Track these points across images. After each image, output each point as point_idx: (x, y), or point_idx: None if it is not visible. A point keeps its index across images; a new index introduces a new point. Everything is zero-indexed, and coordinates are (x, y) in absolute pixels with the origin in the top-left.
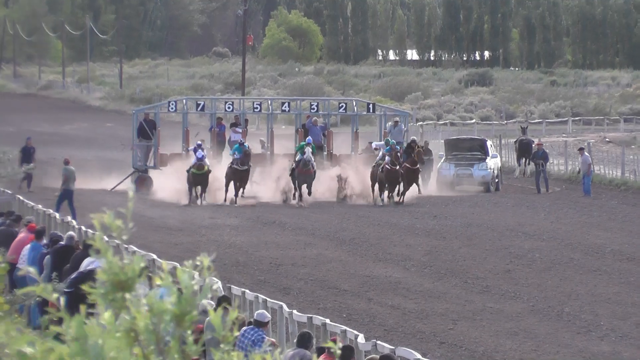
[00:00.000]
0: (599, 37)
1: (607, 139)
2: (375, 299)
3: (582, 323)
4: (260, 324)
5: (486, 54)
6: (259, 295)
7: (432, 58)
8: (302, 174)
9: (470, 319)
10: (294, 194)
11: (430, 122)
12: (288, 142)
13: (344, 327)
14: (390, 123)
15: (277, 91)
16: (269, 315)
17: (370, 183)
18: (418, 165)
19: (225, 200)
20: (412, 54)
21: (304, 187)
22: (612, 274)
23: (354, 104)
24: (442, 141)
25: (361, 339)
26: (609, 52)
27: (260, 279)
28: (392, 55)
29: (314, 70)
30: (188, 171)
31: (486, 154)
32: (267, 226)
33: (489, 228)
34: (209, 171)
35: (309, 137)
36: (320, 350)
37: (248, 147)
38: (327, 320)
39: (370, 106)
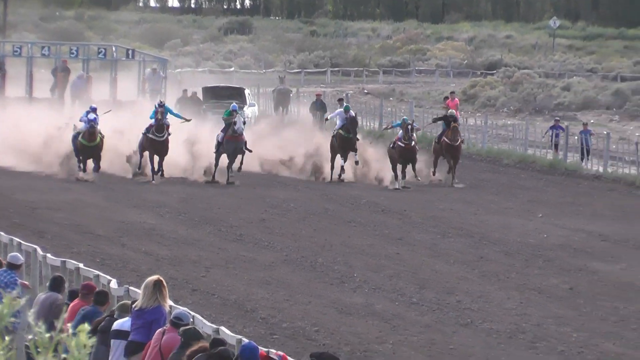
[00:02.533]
0: None
1: (365, 91)
2: (129, 244)
3: (335, 274)
4: (13, 267)
5: (247, 2)
6: (13, 238)
7: (192, 6)
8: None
9: (223, 267)
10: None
11: (189, 69)
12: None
13: (97, 272)
14: (148, 69)
15: (39, 35)
16: (22, 258)
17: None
18: (459, 142)
19: None
20: (172, 1)
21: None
22: (366, 225)
23: (114, 49)
24: (201, 88)
25: (114, 284)
26: (369, 3)
27: (16, 222)
28: (153, 2)
29: (74, 15)
30: (75, 137)
31: (244, 102)
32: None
33: (244, 176)
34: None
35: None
36: (73, 294)
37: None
38: (81, 265)
39: (130, 52)
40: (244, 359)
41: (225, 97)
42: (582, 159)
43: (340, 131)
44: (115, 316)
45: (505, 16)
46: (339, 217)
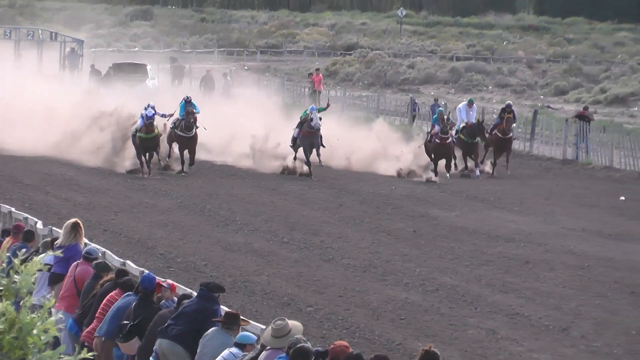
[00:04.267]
0: None
1: (246, 67)
2: (52, 192)
3: (220, 218)
4: None
5: None
6: None
7: None
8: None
9: (129, 212)
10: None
11: (101, 49)
12: None
13: (26, 215)
14: (68, 49)
15: None
16: None
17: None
18: (510, 135)
19: None
20: None
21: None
22: (246, 178)
23: (40, 32)
24: (111, 64)
25: (40, 225)
26: None
27: None
28: None
29: (8, 3)
30: (134, 135)
31: (146, 76)
32: None
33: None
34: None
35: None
36: (5, 233)
37: None
38: (13, 209)
39: (53, 34)
40: (144, 286)
41: (131, 71)
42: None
43: (462, 136)
44: (40, 252)
45: (361, 6)
46: (224, 171)
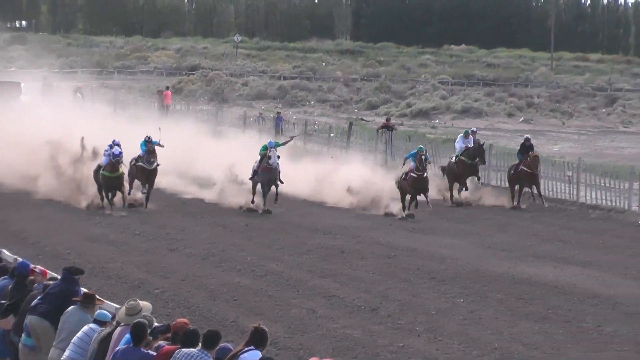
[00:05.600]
0: (107, 11)
1: (105, 84)
2: None
3: (84, 213)
4: None
5: (24, 22)
6: None
7: None
8: None
9: (5, 208)
10: None
11: None
12: None
13: None
14: None
15: None
16: None
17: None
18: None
19: None
20: None
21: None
22: None
23: None
24: None
25: None
26: (108, 23)
27: None
28: None
29: None
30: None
31: (20, 92)
32: None
33: None
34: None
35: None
36: None
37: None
38: None
39: None
40: (19, 271)
41: (7, 89)
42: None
43: (463, 157)
44: None
45: (202, 33)
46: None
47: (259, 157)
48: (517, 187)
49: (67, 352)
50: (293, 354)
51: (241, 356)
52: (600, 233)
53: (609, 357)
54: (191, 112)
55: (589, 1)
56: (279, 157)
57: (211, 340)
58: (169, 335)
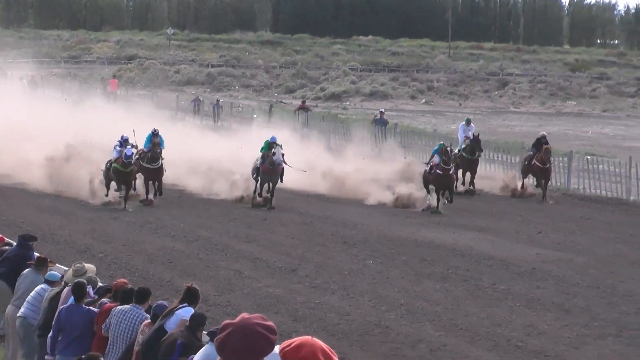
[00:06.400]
0: (55, 8)
1: (53, 73)
2: None
3: (33, 189)
4: None
5: None
6: None
7: None
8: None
9: None
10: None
11: None
12: None
13: None
14: None
15: None
16: None
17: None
18: (548, 165)
19: None
20: None
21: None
22: None
23: None
24: None
25: None
26: (56, 18)
27: None
28: None
29: None
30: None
31: None
32: None
33: None
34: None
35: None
36: None
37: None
38: None
39: None
40: None
41: None
42: (215, 121)
43: (463, 153)
44: None
45: (139, 26)
46: None
47: (260, 155)
48: (526, 179)
49: (22, 309)
50: (222, 310)
51: (176, 312)
52: (494, 201)
53: (503, 312)
54: (130, 96)
55: None
56: (283, 154)
57: (142, 295)
58: (111, 294)
